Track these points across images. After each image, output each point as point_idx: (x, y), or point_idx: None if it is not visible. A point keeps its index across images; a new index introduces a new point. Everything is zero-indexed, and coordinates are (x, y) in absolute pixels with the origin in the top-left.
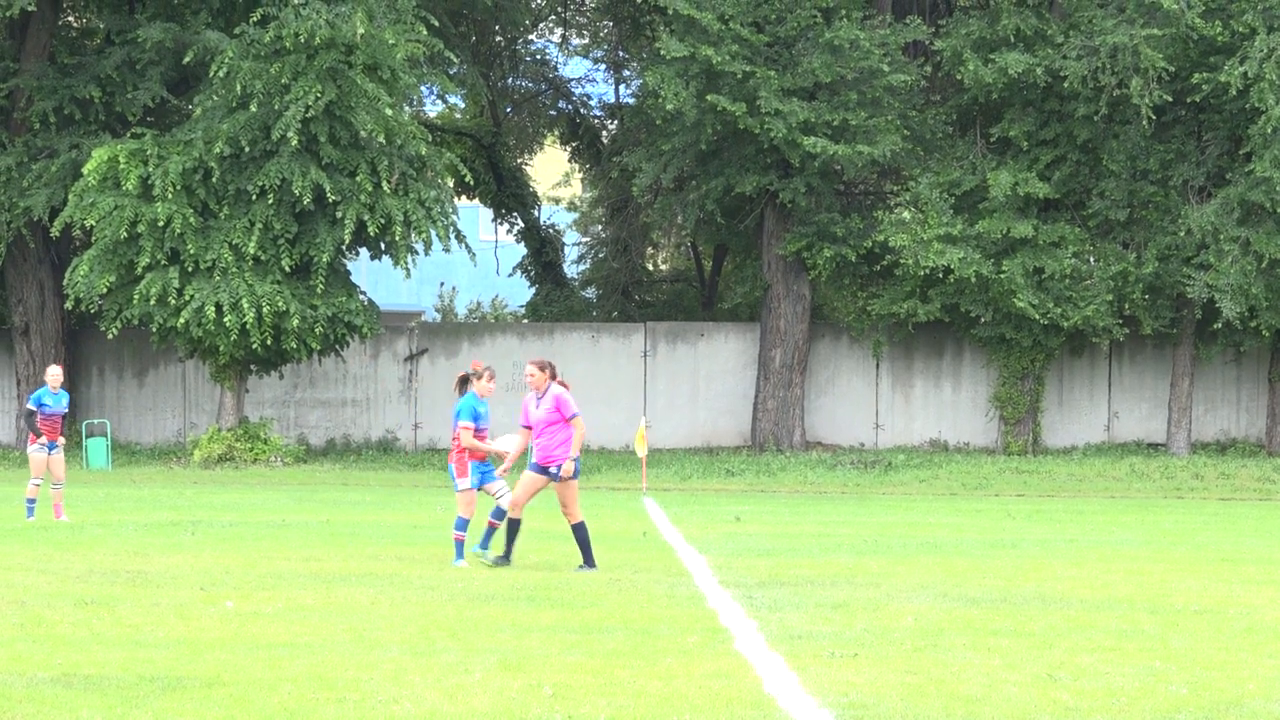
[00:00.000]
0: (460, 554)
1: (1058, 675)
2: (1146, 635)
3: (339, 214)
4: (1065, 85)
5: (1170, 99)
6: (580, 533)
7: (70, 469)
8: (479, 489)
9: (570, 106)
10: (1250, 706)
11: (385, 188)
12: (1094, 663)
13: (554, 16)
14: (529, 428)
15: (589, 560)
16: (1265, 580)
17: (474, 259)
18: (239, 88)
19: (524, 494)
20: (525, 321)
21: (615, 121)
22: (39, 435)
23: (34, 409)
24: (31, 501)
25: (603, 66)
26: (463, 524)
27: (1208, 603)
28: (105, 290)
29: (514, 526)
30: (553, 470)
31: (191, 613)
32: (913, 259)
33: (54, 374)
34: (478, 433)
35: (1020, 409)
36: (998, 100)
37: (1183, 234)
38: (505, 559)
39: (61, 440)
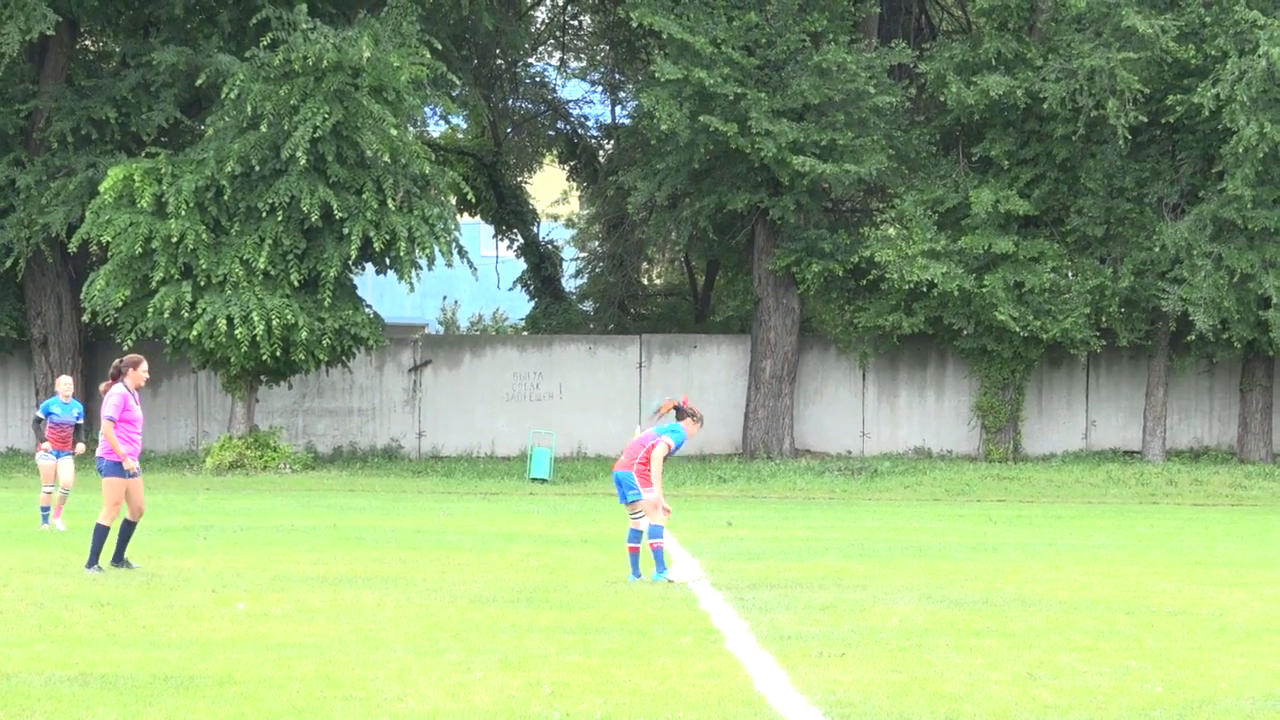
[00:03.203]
0: (661, 564)
1: (1037, 674)
2: (1123, 635)
3: (346, 230)
4: (1044, 106)
5: (1145, 120)
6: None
7: (85, 476)
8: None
9: (568, 127)
10: (1222, 704)
11: (390, 205)
12: (1072, 662)
13: (553, 40)
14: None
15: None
16: (1237, 582)
17: (475, 274)
18: (250, 109)
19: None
20: (525, 334)
21: (611, 141)
22: (43, 442)
23: (41, 416)
24: (45, 509)
25: (599, 88)
26: (657, 531)
27: (1182, 604)
28: (121, 304)
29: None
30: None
31: (203, 614)
32: (898, 273)
33: (64, 384)
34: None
35: (1001, 418)
36: (979, 121)
37: (1157, 249)
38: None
39: (80, 448)
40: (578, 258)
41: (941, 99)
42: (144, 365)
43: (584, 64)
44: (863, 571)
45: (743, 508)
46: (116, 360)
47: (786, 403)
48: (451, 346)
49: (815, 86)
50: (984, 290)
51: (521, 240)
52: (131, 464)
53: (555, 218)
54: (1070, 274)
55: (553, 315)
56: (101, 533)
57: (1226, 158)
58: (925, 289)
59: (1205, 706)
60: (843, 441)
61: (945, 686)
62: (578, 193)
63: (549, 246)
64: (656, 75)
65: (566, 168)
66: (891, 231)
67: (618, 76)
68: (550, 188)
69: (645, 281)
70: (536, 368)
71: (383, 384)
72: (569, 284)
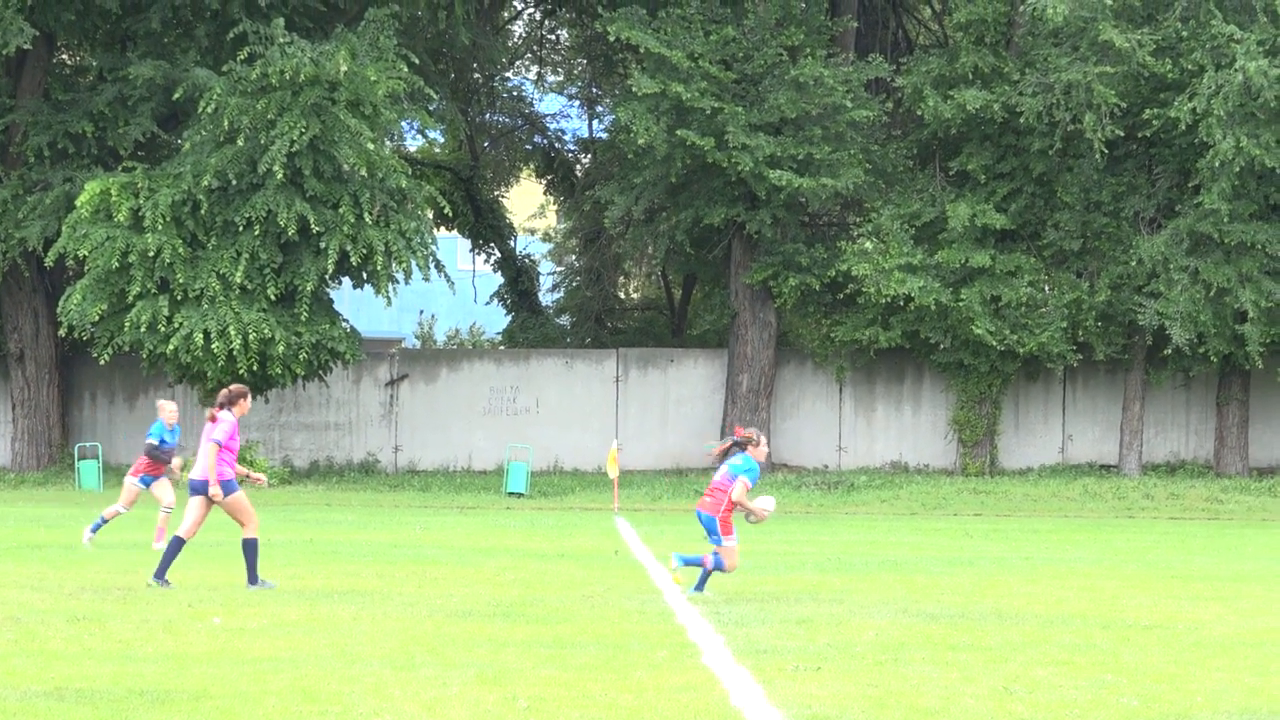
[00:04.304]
0: (702, 585)
1: (1013, 688)
2: (1099, 649)
3: (323, 244)
4: (1021, 120)
5: (1122, 134)
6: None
7: (63, 490)
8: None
9: (545, 141)
10: (1198, 718)
11: (367, 219)
12: (1048, 676)
13: (530, 55)
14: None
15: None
16: (1213, 596)
17: (453, 288)
18: (226, 123)
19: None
20: (502, 348)
21: (588, 155)
22: (166, 463)
23: (156, 444)
24: (103, 521)
25: (577, 103)
26: (719, 565)
27: (1158, 618)
28: (97, 318)
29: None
30: None
31: (180, 628)
32: (874, 287)
33: (171, 409)
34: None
35: (978, 432)
36: (956, 135)
37: (1134, 264)
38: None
39: (177, 462)
40: (555, 272)
41: (918, 113)
42: (250, 397)
43: (561, 78)
44: (839, 585)
45: None
46: (226, 390)
47: (763, 416)
48: (428, 361)
49: (792, 100)
50: (961, 304)
51: (498, 254)
52: (216, 490)
53: (532, 232)
54: (1047, 288)
55: (530, 329)
56: (252, 546)
57: (1203, 172)
58: (902, 303)
59: None
60: (819, 455)
61: (921, 701)
62: (555, 207)
63: (526, 260)
64: (633, 89)
65: (544, 182)
66: (868, 245)
67: (595, 90)
68: (527, 202)
69: (622, 295)
70: (513, 382)
71: (359, 398)
72: (546, 298)
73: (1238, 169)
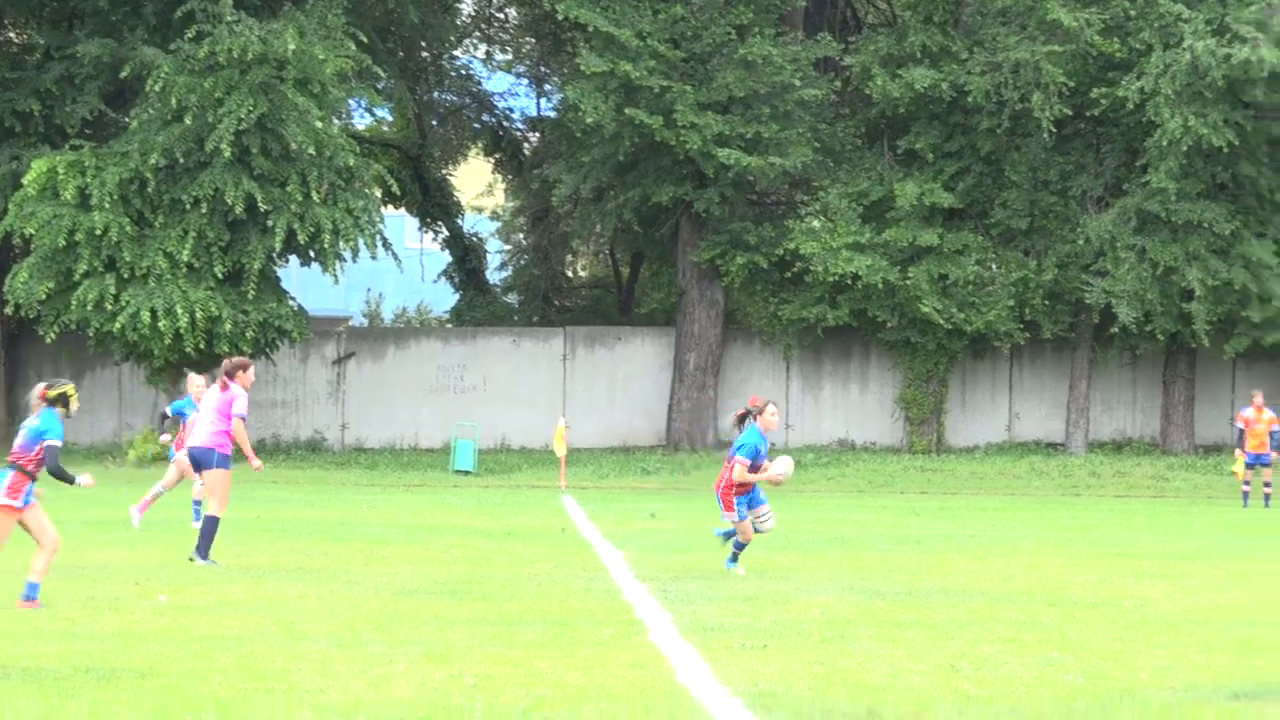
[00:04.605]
0: (734, 559)
1: (960, 665)
2: (1045, 627)
3: (270, 223)
4: (969, 99)
5: (1070, 113)
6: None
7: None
8: (749, 511)
9: (494, 119)
10: (1143, 694)
11: (315, 198)
12: (994, 653)
13: (478, 33)
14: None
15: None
16: (1158, 574)
17: (400, 266)
18: (174, 101)
19: None
20: (449, 326)
21: (537, 134)
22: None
23: (170, 414)
24: (198, 503)
25: (525, 81)
26: (739, 545)
27: (1104, 595)
28: (44, 296)
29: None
30: None
31: (126, 607)
32: (822, 266)
33: (198, 383)
34: (754, 467)
35: (925, 410)
36: (904, 114)
37: (1081, 242)
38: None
39: (165, 439)
40: (502, 250)
41: (867, 92)
42: (253, 368)
43: (510, 56)
44: (786, 563)
45: (666, 500)
46: (227, 361)
47: (710, 395)
48: (376, 339)
49: (741, 79)
50: (908, 283)
51: (446, 233)
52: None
53: (480, 210)
54: (994, 266)
55: (477, 308)
56: (214, 524)
57: (1150, 151)
58: (850, 281)
59: (1127, 697)
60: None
61: (868, 678)
62: (503, 185)
63: (474, 239)
64: (582, 68)
65: (492, 160)
66: (816, 224)
67: (543, 69)
68: (475, 180)
69: (570, 274)
70: (461, 360)
71: (306, 376)
72: (494, 276)
73: (1185, 148)
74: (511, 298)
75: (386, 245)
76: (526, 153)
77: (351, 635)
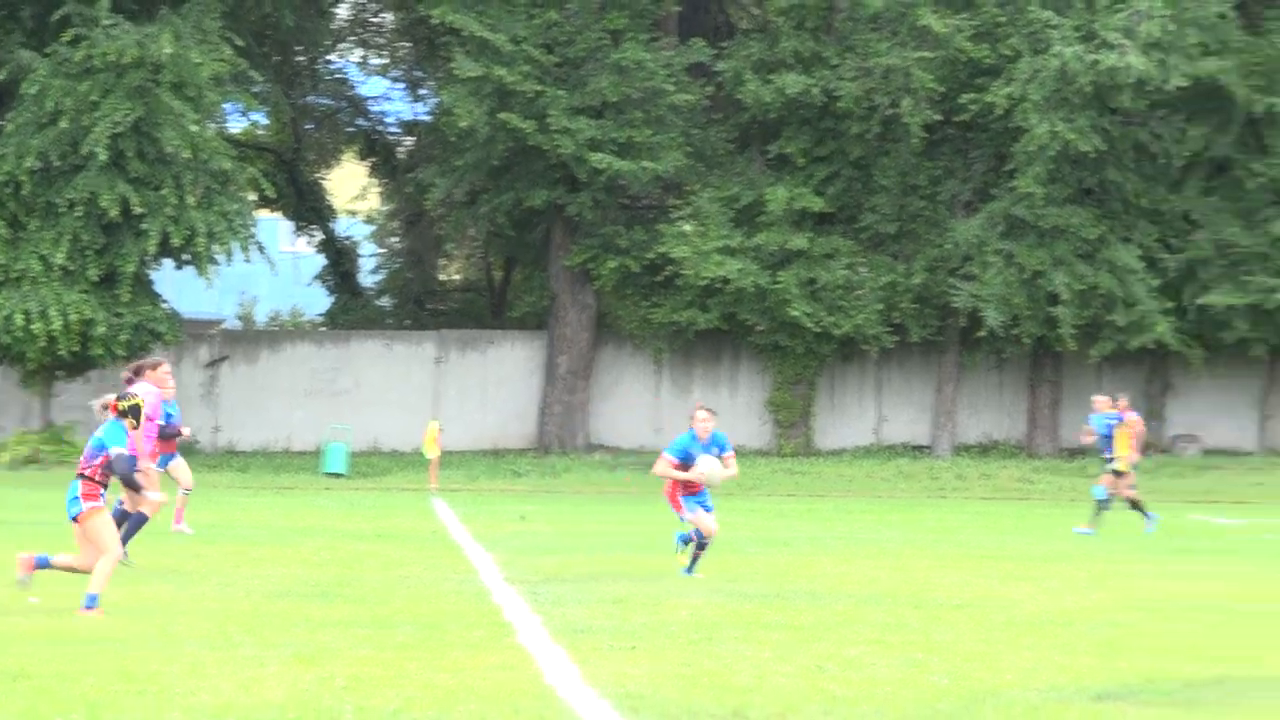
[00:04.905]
0: (691, 568)
1: (826, 667)
2: (910, 628)
3: (145, 226)
4: (840, 105)
5: (940, 118)
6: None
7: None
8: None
9: (368, 123)
10: (1007, 696)
11: (190, 201)
12: (860, 654)
13: (354, 37)
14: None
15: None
16: (1023, 576)
17: (274, 269)
18: (50, 104)
19: None
20: (323, 329)
21: (411, 138)
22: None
23: (163, 424)
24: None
25: (400, 85)
26: (700, 546)
27: (969, 597)
28: None
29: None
30: None
31: None
32: (693, 270)
33: (171, 383)
34: (682, 466)
35: (794, 413)
36: (776, 119)
37: (949, 247)
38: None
39: (187, 431)
40: (376, 254)
41: (739, 97)
42: (165, 365)
43: (385, 61)
44: (654, 565)
45: (537, 502)
46: (138, 362)
47: (582, 398)
48: (249, 342)
49: (614, 84)
50: (778, 287)
51: (320, 236)
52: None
53: (354, 214)
54: (863, 270)
55: (351, 311)
56: (140, 521)
57: (1018, 156)
58: (720, 285)
59: (991, 698)
60: (637, 437)
61: (734, 679)
62: (377, 189)
63: (347, 242)
64: (456, 72)
65: (366, 164)
66: (688, 228)
67: (418, 74)
68: (349, 184)
69: (443, 277)
70: (334, 363)
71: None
72: (367, 280)
73: (1052, 153)
74: (385, 301)
75: (260, 249)
76: (400, 156)
77: (222, 637)
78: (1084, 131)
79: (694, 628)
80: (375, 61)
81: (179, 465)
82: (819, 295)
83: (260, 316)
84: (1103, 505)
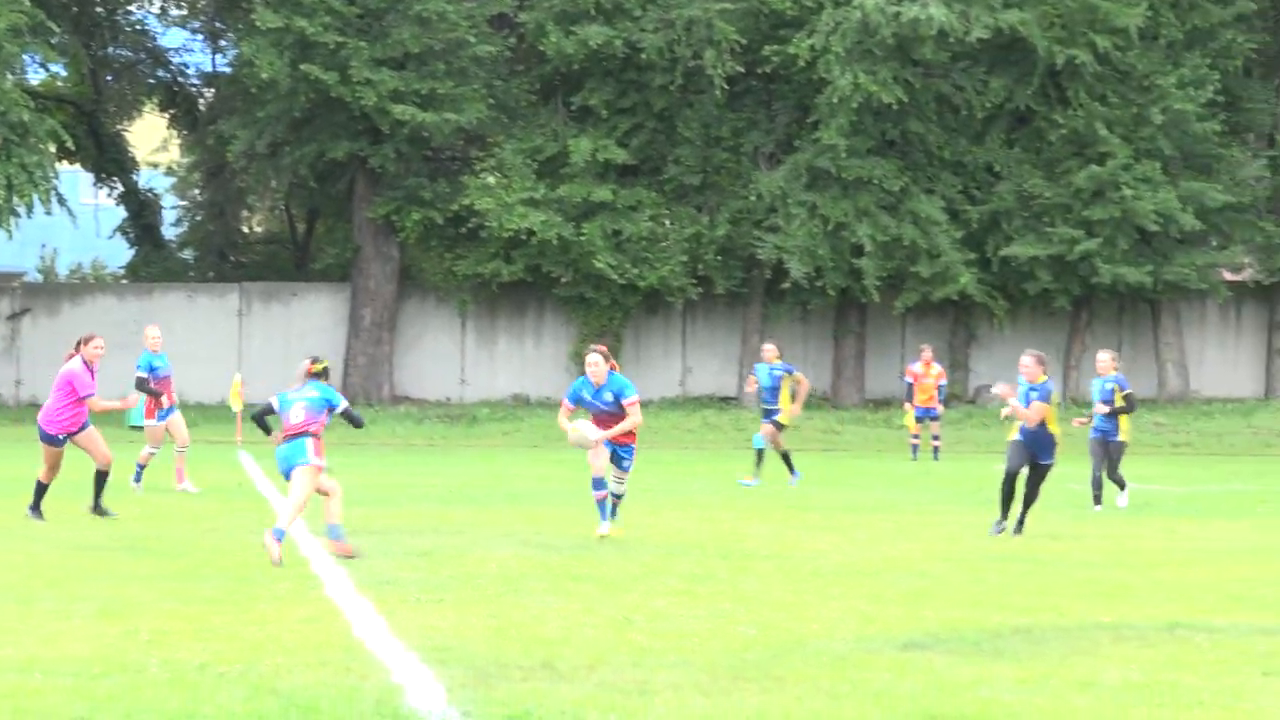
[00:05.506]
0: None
1: (634, 618)
2: (718, 579)
3: None
4: (643, 56)
5: (742, 70)
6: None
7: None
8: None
9: (169, 75)
10: (815, 646)
11: None
12: (668, 606)
13: None
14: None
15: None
16: (829, 527)
17: (75, 222)
18: None
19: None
20: (125, 282)
21: (212, 90)
22: (158, 396)
23: (145, 375)
24: (141, 467)
25: (200, 37)
26: (616, 497)
27: (776, 548)
28: None
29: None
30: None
31: None
32: (497, 222)
33: (156, 335)
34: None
35: None
36: (579, 71)
37: (753, 199)
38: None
39: (132, 397)
40: (178, 206)
41: (541, 49)
42: (96, 341)
43: (185, 12)
44: (461, 517)
45: (342, 454)
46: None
47: (386, 350)
48: (50, 295)
49: (416, 36)
50: (582, 238)
51: (121, 188)
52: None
53: (156, 166)
54: (668, 222)
55: (153, 263)
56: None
57: (821, 108)
58: (524, 237)
59: (798, 648)
60: (442, 388)
61: (542, 631)
62: (178, 141)
63: (149, 195)
64: (257, 24)
65: (167, 116)
66: (491, 180)
67: (219, 25)
68: (151, 136)
69: (245, 229)
70: (137, 316)
71: None
72: (169, 232)
73: (855, 105)
74: (187, 254)
75: (61, 201)
76: (202, 109)
77: (25, 591)
78: (886, 83)
79: (502, 580)
80: (175, 13)
81: (176, 421)
82: (623, 247)
83: (62, 269)
84: (761, 455)
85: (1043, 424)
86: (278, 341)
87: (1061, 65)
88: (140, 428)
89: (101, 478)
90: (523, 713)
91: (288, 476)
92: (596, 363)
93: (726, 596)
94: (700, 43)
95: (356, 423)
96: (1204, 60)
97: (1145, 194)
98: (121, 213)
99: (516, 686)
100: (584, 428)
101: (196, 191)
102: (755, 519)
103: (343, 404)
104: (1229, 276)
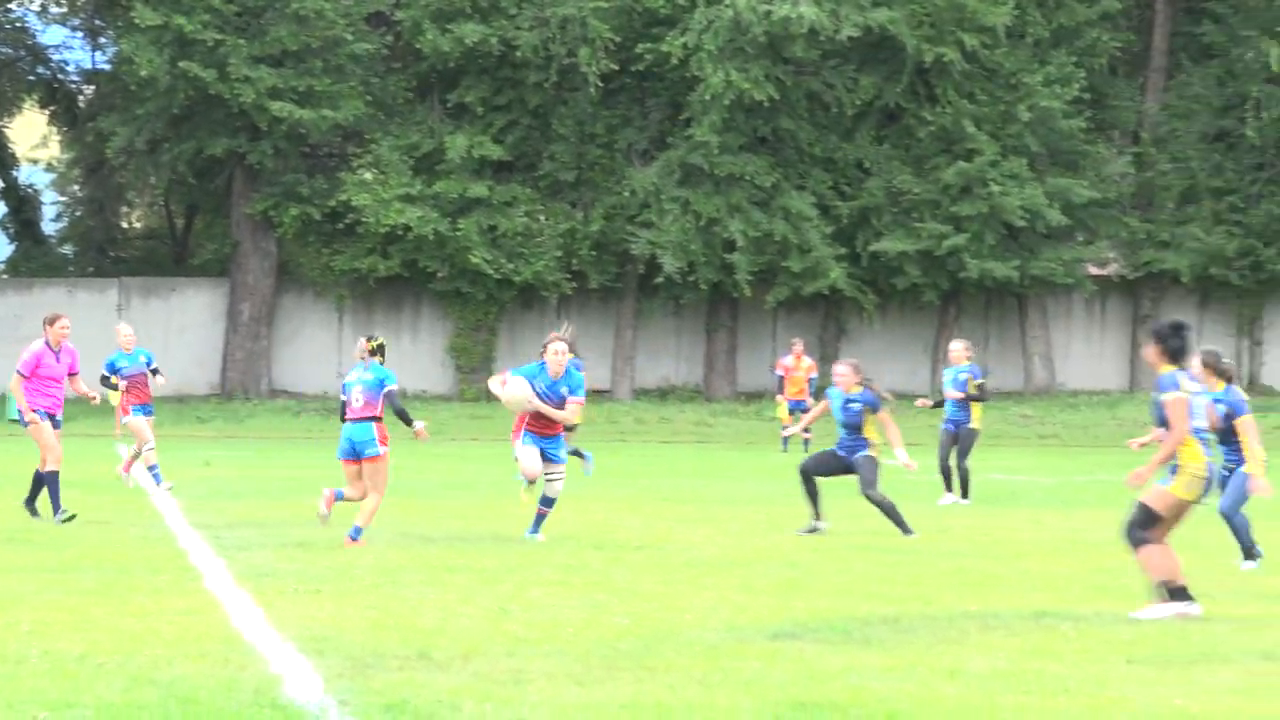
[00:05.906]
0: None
1: (509, 608)
2: (592, 570)
3: None
4: (518, 54)
5: (616, 68)
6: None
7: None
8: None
9: (48, 72)
10: (687, 635)
11: None
12: (542, 596)
13: None
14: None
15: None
16: (702, 519)
17: None
18: None
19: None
20: (5, 277)
21: (92, 86)
22: (116, 391)
23: (107, 374)
24: (154, 468)
25: (80, 34)
26: (547, 504)
27: (649, 539)
28: None
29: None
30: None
31: None
32: (374, 218)
33: (127, 332)
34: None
35: (475, 359)
36: (455, 68)
37: (627, 195)
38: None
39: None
40: (58, 201)
41: (418, 46)
42: (61, 321)
43: (64, 9)
44: (338, 510)
45: (221, 448)
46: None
47: (264, 344)
48: None
49: (294, 33)
50: (458, 234)
51: (1, 184)
52: (32, 417)
53: (35, 162)
54: (542, 218)
55: (33, 259)
56: (45, 479)
57: (694, 105)
58: (401, 233)
59: (671, 638)
60: (319, 382)
61: (419, 621)
62: (58, 137)
63: (29, 190)
64: (136, 21)
65: (47, 112)
66: (368, 176)
67: (98, 22)
68: (30, 132)
69: (125, 225)
70: (16, 310)
71: None
72: (49, 228)
73: (727, 102)
74: (67, 249)
75: None
76: (82, 105)
77: None
78: (758, 81)
79: (379, 571)
80: (55, 10)
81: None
82: (499, 242)
83: None
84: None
85: (861, 427)
86: (157, 336)
87: (930, 63)
88: (18, 421)
89: (44, 478)
90: (399, 702)
91: (348, 456)
92: (561, 352)
93: (600, 587)
94: (575, 41)
95: (397, 413)
96: (1070, 58)
97: (1012, 190)
98: (1, 208)
99: (393, 676)
100: (518, 387)
101: (76, 187)
102: (628, 511)
103: (390, 386)
104: (1094, 271)
